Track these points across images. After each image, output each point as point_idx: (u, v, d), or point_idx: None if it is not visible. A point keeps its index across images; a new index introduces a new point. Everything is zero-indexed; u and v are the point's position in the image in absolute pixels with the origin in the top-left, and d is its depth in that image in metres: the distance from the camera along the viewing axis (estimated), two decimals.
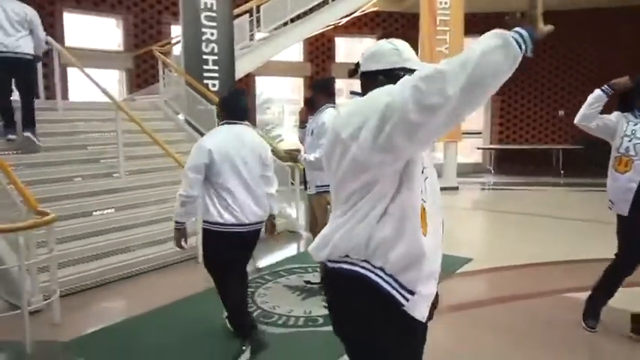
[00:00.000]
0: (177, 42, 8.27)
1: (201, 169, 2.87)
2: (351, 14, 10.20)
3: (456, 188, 9.86)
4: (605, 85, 3.09)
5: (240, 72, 8.54)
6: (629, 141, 2.98)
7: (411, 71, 1.47)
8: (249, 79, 11.09)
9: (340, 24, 10.92)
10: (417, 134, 1.23)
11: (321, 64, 12.19)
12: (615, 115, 3.16)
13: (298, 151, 4.25)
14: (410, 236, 1.39)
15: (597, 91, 3.14)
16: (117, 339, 3.40)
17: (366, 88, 1.55)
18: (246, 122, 3.20)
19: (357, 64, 1.63)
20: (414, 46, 6.56)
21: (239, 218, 2.94)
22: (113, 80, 10.09)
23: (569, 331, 3.40)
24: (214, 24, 7.53)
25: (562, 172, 11.65)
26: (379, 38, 9.87)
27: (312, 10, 9.46)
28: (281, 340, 3.31)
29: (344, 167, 1.40)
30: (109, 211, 5.34)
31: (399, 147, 1.27)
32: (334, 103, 3.98)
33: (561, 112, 12.52)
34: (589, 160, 11.61)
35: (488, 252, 5.90)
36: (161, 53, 7.89)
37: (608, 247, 5.11)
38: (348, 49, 13.17)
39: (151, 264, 4.80)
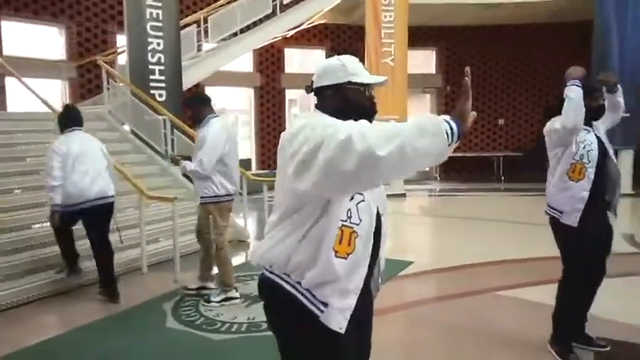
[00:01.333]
0: (123, 52, 8.17)
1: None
2: (299, 26, 10.32)
3: (403, 195, 10.10)
4: (572, 80, 2.87)
5: (188, 82, 8.51)
6: (584, 148, 2.86)
7: (358, 84, 1.64)
8: (198, 89, 11.01)
9: (289, 35, 11.07)
10: (337, 181, 1.28)
11: (271, 74, 12.29)
12: None
13: (186, 157, 4.24)
14: (323, 261, 1.49)
15: (576, 89, 2.82)
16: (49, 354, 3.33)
17: (320, 103, 1.67)
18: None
19: (312, 82, 1.71)
20: (361, 57, 6.86)
21: None
22: (56, 90, 9.80)
23: (500, 327, 3.60)
24: (160, 34, 7.48)
25: (502, 178, 12.19)
26: (328, 50, 10.20)
27: (261, 22, 9.55)
28: (223, 345, 3.35)
29: (281, 184, 1.52)
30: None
31: (318, 186, 1.33)
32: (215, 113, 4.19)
33: (501, 121, 13.11)
34: (528, 164, 12.23)
35: (430, 255, 6.14)
36: (106, 63, 7.78)
37: (540, 247, 5.48)
38: (300, 60, 13.34)
39: (92, 277, 4.71)
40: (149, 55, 7.40)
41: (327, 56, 12.58)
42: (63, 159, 4.06)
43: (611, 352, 3.18)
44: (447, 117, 1.30)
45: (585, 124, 2.87)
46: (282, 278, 1.54)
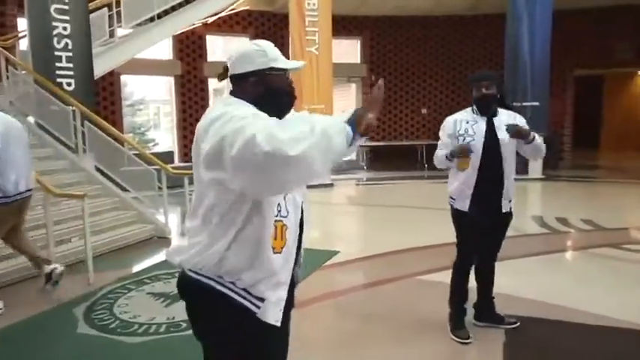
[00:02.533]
0: (24, 36, 7.57)
1: None
2: (221, 12, 10.07)
3: (331, 185, 10.18)
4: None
5: (100, 70, 8.06)
6: (464, 140, 3.02)
7: (279, 70, 1.59)
8: (113, 77, 10.51)
9: (211, 22, 10.78)
10: (251, 179, 1.26)
11: (192, 62, 11.91)
12: (448, 127, 3.18)
13: None
14: (262, 261, 1.47)
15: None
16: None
17: (238, 91, 1.59)
18: None
19: (226, 68, 1.63)
20: (286, 45, 6.87)
21: None
22: None
23: (420, 311, 3.75)
24: (67, 17, 7.00)
25: (426, 166, 12.61)
26: (251, 37, 10.07)
27: (180, 6, 9.21)
28: (140, 349, 3.21)
29: (199, 182, 1.46)
30: None
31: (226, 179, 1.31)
32: None
33: (424, 110, 13.53)
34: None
35: (356, 243, 6.25)
36: (5, 48, 7.19)
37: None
38: (223, 48, 13.01)
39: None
40: (54, 40, 6.91)
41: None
42: None
43: (522, 328, 3.39)
44: (346, 117, 1.33)
45: (482, 114, 3.08)
46: (213, 280, 1.48)
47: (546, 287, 4.18)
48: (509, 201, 3.17)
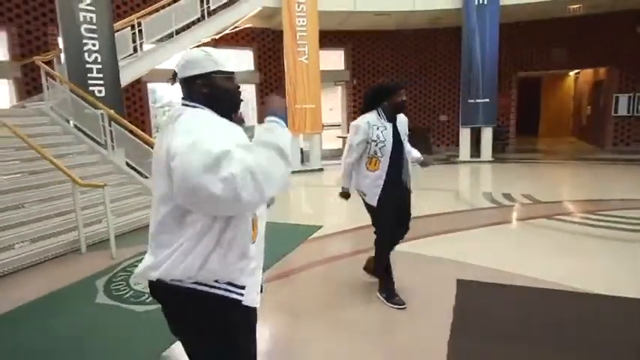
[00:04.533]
0: (60, 52, 7.22)
1: None
2: (226, 30, 9.68)
3: (321, 170, 9.97)
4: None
5: (127, 78, 7.73)
6: (376, 145, 2.82)
7: (224, 73, 1.40)
8: (140, 84, 10.15)
9: (219, 37, 10.38)
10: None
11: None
12: (364, 131, 2.85)
13: None
14: (245, 256, 1.32)
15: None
16: (11, 319, 2.94)
17: (187, 93, 1.40)
18: None
19: (175, 73, 1.43)
20: (282, 56, 6.53)
21: None
22: (4, 89, 8.60)
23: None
24: (95, 35, 6.66)
25: None
26: (255, 50, 9.64)
27: (194, 24, 8.84)
28: (146, 316, 3.01)
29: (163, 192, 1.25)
30: None
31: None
32: None
33: None
34: (417, 140, 12.50)
35: (338, 219, 6.01)
36: (46, 63, 6.85)
37: (427, 208, 5.49)
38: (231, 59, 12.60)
39: (32, 260, 4.16)
40: (85, 54, 6.59)
41: (256, 56, 12.13)
42: None
43: (471, 290, 3.20)
44: (272, 118, 1.24)
45: (388, 120, 2.88)
46: (197, 283, 1.27)
47: (492, 254, 4.03)
48: (409, 189, 3.09)
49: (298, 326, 2.86)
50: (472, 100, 10.06)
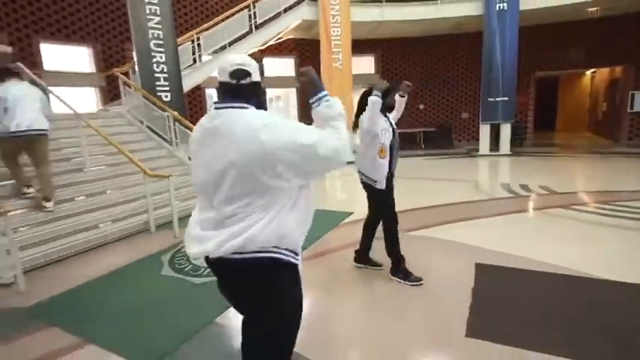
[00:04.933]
0: (134, 64, 7.50)
1: None
2: (270, 41, 9.69)
3: (352, 162, 9.81)
4: (375, 91, 2.71)
5: (188, 85, 7.93)
6: (384, 135, 2.79)
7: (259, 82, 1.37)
8: (200, 90, 10.40)
9: (265, 47, 10.43)
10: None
11: None
12: (382, 124, 2.82)
13: None
14: (308, 218, 1.37)
15: (375, 98, 2.69)
16: (76, 298, 3.01)
17: (243, 95, 1.30)
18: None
19: (248, 73, 1.31)
20: (319, 62, 6.40)
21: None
22: (92, 96, 9.07)
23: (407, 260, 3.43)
24: (162, 49, 6.87)
25: (422, 146, 12.02)
26: (296, 58, 9.61)
27: (244, 37, 8.92)
28: (201, 287, 3.07)
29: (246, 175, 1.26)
30: (81, 197, 4.80)
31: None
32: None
33: (421, 106, 12.81)
34: (441, 136, 12.08)
35: (361, 206, 5.91)
36: (123, 74, 7.14)
37: (449, 196, 5.27)
38: (274, 66, 12.61)
39: (115, 236, 4.38)
40: (154, 66, 6.81)
41: (297, 63, 12.10)
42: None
43: (487, 274, 3.05)
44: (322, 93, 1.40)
45: (385, 114, 2.86)
46: (273, 252, 1.26)
47: (509, 240, 3.79)
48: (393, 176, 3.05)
49: (331, 300, 2.84)
50: (492, 99, 9.56)
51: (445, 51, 12.40)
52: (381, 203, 3.02)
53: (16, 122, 3.80)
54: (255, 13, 8.81)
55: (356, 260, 3.35)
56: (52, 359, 2.22)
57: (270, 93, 12.40)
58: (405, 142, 12.38)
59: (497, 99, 9.49)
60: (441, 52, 12.46)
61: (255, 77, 1.34)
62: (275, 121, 1.22)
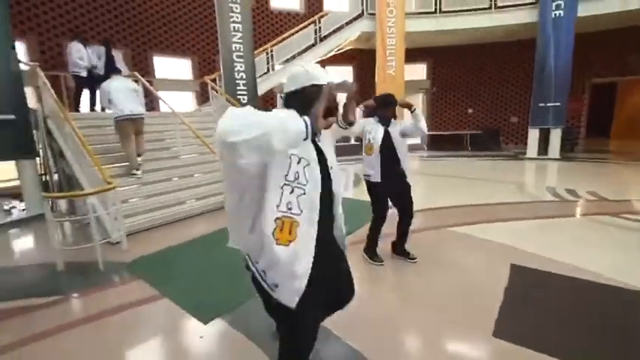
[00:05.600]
0: (219, 72, 7.89)
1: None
2: (331, 51, 9.55)
3: None
4: (362, 106, 2.83)
5: (262, 89, 8.17)
6: (371, 135, 2.79)
7: (318, 86, 1.21)
8: (272, 94, 10.66)
9: (328, 57, 10.34)
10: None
11: None
12: (360, 123, 2.87)
13: None
14: (266, 249, 1.12)
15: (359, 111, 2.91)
16: (160, 259, 3.24)
17: (289, 104, 1.21)
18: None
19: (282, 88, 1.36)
20: (374, 70, 6.06)
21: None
22: (189, 98, 9.79)
23: (441, 253, 3.15)
24: (242, 60, 7.11)
25: (469, 148, 11.12)
26: (355, 66, 9.42)
27: (310, 48, 8.93)
28: None
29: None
30: (175, 179, 5.20)
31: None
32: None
33: (470, 110, 11.82)
34: (488, 139, 11.06)
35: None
36: (211, 80, 7.55)
37: (491, 196, 4.79)
38: (335, 74, 12.50)
39: (197, 212, 4.67)
40: (235, 74, 7.08)
41: (354, 71, 11.83)
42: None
43: (521, 275, 2.69)
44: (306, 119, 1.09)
45: (382, 124, 2.79)
46: (249, 259, 1.23)
47: (550, 244, 3.30)
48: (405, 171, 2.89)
49: (366, 289, 2.71)
50: (542, 104, 8.46)
51: (496, 57, 11.26)
52: (373, 195, 2.97)
53: (122, 107, 4.37)
54: (320, 27, 8.73)
55: (393, 251, 3.17)
56: (136, 306, 2.42)
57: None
58: (452, 143, 11.57)
59: (549, 104, 8.37)
60: (491, 59, 11.34)
61: (289, 88, 1.26)
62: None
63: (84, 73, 5.94)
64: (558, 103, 8.30)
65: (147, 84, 5.92)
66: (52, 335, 2.13)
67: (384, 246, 3.22)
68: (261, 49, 8.25)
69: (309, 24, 8.73)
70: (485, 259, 3.00)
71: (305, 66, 1.27)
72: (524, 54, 10.10)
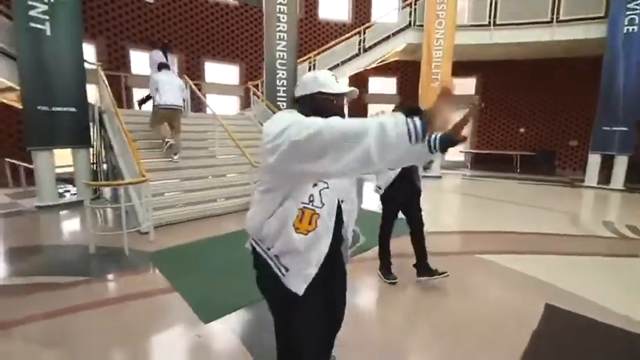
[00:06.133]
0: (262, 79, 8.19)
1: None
2: (373, 63, 9.48)
3: (439, 177, 9.01)
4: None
5: None
6: None
7: (327, 94, 1.23)
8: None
9: (371, 68, 10.29)
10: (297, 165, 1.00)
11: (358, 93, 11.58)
12: None
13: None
14: (285, 237, 1.17)
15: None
16: (181, 253, 3.35)
17: (299, 109, 1.27)
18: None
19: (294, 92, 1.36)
20: (417, 82, 5.92)
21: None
22: (234, 102, 10.27)
23: (464, 277, 2.90)
24: (285, 68, 7.32)
25: (518, 170, 10.31)
26: (398, 77, 9.25)
27: (353, 58, 8.96)
28: None
29: (262, 166, 1.18)
30: (209, 177, 5.42)
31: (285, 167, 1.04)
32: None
33: (522, 129, 11.00)
34: (542, 162, 10.20)
35: (439, 221, 5.27)
36: (254, 86, 7.86)
37: (538, 225, 4.35)
38: (379, 85, 12.37)
39: (226, 210, 4.81)
40: (277, 81, 7.30)
41: (398, 83, 11.62)
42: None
43: (555, 318, 2.37)
44: (413, 118, 0.91)
45: None
46: (257, 244, 1.25)
47: (595, 286, 2.87)
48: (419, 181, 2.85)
49: (375, 309, 2.58)
50: (607, 128, 7.60)
51: (554, 74, 10.40)
52: (384, 207, 2.90)
53: (165, 98, 4.82)
54: (364, 38, 8.74)
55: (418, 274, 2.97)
56: (146, 296, 2.52)
57: (377, 108, 12.15)
58: (499, 163, 10.83)
59: (614, 128, 7.50)
60: (549, 76, 10.49)
61: (299, 93, 1.30)
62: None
63: None
64: (626, 128, 7.40)
65: (194, 87, 6.31)
66: (62, 315, 2.29)
67: (403, 262, 3.05)
68: (304, 57, 8.44)
69: (353, 35, 8.79)
70: (517, 295, 2.69)
71: (316, 73, 1.28)
72: (588, 72, 9.21)
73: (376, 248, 3.50)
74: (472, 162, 11.30)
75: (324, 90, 1.24)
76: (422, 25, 8.71)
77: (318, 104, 1.24)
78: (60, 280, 2.71)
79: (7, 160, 6.75)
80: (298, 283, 1.20)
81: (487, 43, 8.70)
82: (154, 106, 4.91)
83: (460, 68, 10.20)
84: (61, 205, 4.96)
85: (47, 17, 4.67)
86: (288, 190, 1.15)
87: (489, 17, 8.55)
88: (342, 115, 1.28)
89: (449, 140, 0.92)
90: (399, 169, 2.72)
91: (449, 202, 7.08)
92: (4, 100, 6.52)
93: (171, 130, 5.08)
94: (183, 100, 5.18)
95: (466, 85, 11.59)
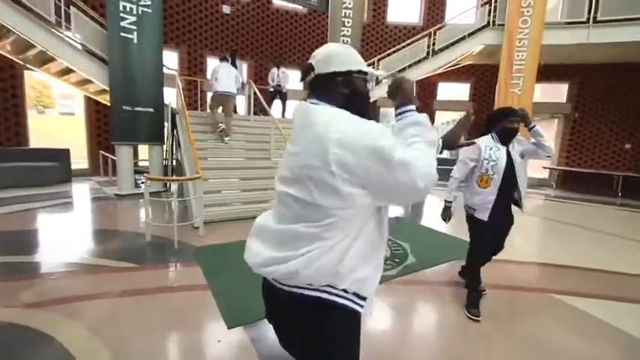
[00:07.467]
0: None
1: None
2: (444, 66, 8.89)
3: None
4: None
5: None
6: (488, 163, 2.33)
7: (364, 73, 0.99)
8: (376, 107, 10.60)
9: (441, 72, 9.69)
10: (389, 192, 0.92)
11: (424, 100, 11.00)
12: (474, 151, 2.39)
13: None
14: (375, 255, 0.99)
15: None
16: (222, 251, 3.42)
17: (322, 91, 0.98)
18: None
19: (311, 66, 1.00)
20: (494, 88, 5.45)
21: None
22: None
23: (525, 318, 2.44)
24: None
25: (620, 194, 8.66)
26: (472, 84, 8.59)
27: (421, 61, 8.54)
28: None
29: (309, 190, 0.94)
30: (264, 179, 5.53)
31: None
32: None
33: (627, 145, 9.27)
34: None
35: (513, 248, 4.59)
36: None
37: (630, 263, 3.59)
38: (449, 91, 11.61)
39: (242, 215, 4.72)
40: None
41: (471, 89, 10.76)
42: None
43: None
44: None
45: (502, 143, 2.35)
46: (326, 292, 0.95)
47: None
48: (522, 208, 2.48)
49: (422, 325, 2.29)
50: None
51: None
52: (474, 232, 2.56)
53: (220, 85, 5.40)
54: (434, 41, 8.27)
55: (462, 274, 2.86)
56: (182, 291, 2.60)
57: (448, 117, 11.42)
58: (593, 184, 9.26)
59: None
60: None
61: (325, 69, 0.97)
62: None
63: (271, 89, 7.48)
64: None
65: (257, 92, 6.61)
66: (100, 298, 2.47)
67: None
68: (368, 62, 8.30)
69: (420, 37, 8.38)
70: (594, 351, 2.16)
71: (344, 45, 1.03)
72: None
73: (427, 272, 3.19)
74: (559, 181, 9.86)
75: (364, 69, 0.99)
76: (503, 25, 7.92)
77: (357, 88, 0.99)
78: (115, 265, 2.97)
79: (102, 152, 7.86)
80: (369, 304, 1.03)
81: (583, 42, 7.54)
82: (212, 93, 5.54)
83: (549, 72, 9.05)
84: (136, 195, 5.56)
85: (135, 27, 5.32)
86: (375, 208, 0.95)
87: (589, 12, 7.40)
88: (369, 104, 1.06)
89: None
90: (498, 185, 2.33)
91: (526, 226, 6.15)
92: (103, 101, 7.63)
93: (224, 114, 5.63)
94: (237, 89, 5.71)
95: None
